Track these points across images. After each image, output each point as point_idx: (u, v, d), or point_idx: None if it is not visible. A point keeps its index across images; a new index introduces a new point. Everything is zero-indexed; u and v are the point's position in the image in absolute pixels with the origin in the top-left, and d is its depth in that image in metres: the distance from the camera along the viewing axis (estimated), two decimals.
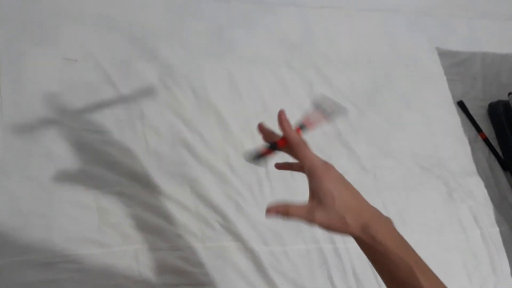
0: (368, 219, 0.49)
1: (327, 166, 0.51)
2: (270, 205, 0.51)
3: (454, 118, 1.23)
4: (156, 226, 0.80)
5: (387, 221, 0.51)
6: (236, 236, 0.85)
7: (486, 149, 1.23)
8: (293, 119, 0.55)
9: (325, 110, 0.56)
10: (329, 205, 0.49)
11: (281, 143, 0.54)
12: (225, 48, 1.02)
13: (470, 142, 1.21)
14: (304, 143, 0.52)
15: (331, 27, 1.18)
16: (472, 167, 1.18)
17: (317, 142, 1.00)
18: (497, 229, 1.10)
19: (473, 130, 1.24)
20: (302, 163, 0.52)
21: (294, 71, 1.07)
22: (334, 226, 0.49)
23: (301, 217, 0.50)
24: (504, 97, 1.27)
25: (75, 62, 0.86)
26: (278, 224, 0.89)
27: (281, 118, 0.54)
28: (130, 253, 0.77)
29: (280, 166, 0.61)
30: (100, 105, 0.85)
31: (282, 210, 0.51)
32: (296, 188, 0.93)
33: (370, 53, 1.20)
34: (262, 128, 0.58)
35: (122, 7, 0.94)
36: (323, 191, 0.49)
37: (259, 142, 0.94)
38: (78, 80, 0.84)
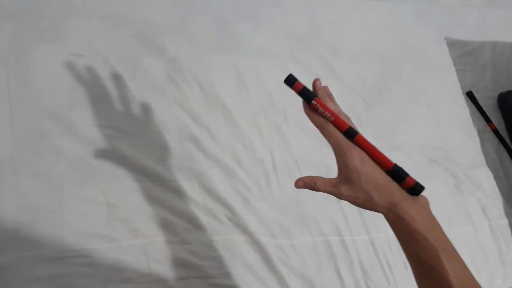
0: (399, 198, 0.49)
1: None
2: (299, 178, 0.53)
3: (463, 109, 1.22)
4: (164, 220, 0.81)
5: (422, 202, 0.51)
6: (244, 230, 0.86)
7: (495, 140, 1.21)
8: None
9: None
10: (355, 181, 0.49)
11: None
12: (232, 43, 1.01)
13: (479, 133, 1.19)
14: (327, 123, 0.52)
15: (338, 18, 1.16)
16: (481, 158, 1.17)
17: None
18: (506, 221, 1.10)
19: (482, 121, 1.23)
20: (328, 141, 0.52)
21: (301, 64, 1.06)
22: (360, 202, 0.50)
23: (327, 190, 0.51)
24: None
25: (82, 58, 0.86)
26: (285, 217, 0.90)
27: (315, 84, 0.56)
28: (139, 247, 0.78)
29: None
30: (108, 101, 0.85)
31: (309, 182, 0.52)
32: None
33: (377, 45, 1.18)
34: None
35: (128, 2, 0.94)
36: (348, 168, 0.49)
37: (266, 137, 0.95)
38: (85, 76, 0.85)
